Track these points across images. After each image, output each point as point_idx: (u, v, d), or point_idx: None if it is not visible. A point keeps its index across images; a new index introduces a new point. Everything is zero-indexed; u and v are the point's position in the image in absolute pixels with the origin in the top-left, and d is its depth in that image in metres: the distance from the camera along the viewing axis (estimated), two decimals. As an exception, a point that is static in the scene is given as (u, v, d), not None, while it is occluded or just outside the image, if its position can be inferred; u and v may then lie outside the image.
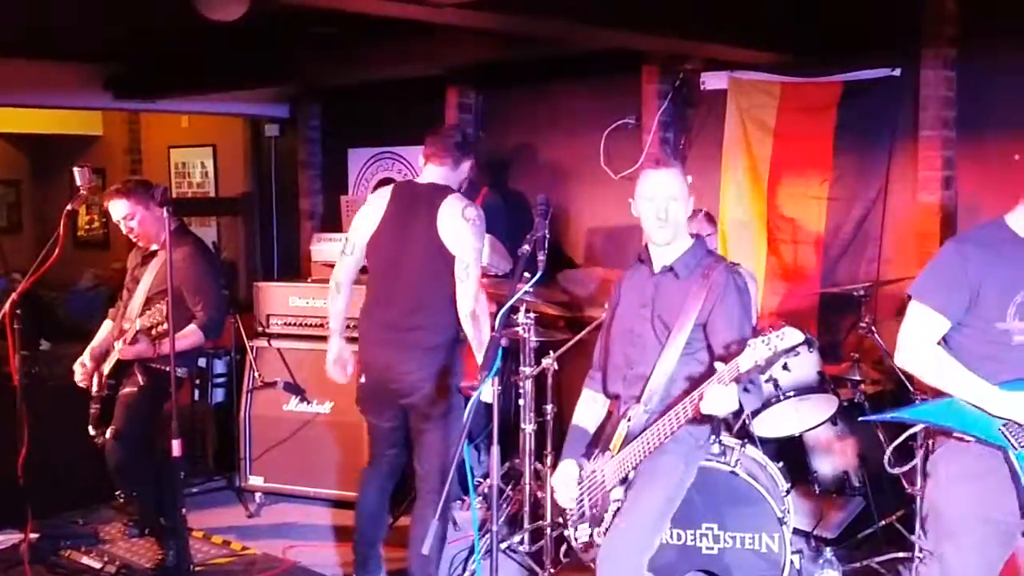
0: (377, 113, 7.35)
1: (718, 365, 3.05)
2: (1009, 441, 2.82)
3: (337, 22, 5.08)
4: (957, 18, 4.97)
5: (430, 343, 4.03)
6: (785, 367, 4.38)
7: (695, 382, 3.27)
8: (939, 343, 2.97)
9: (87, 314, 4.84)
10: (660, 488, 3.28)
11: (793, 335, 2.97)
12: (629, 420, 3.34)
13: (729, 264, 3.47)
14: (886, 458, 3.37)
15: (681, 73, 5.95)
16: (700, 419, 3.18)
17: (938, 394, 2.95)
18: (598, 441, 3.49)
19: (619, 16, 4.70)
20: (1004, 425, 2.82)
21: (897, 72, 5.21)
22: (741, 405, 3.14)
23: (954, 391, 2.88)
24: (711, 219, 4.97)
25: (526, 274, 3.20)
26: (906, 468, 3.69)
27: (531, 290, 4.45)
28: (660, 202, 3.36)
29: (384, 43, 5.70)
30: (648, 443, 3.24)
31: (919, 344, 2.93)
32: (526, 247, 3.21)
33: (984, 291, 2.85)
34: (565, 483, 3.46)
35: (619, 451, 3.34)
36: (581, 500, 3.44)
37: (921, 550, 3.04)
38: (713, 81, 5.92)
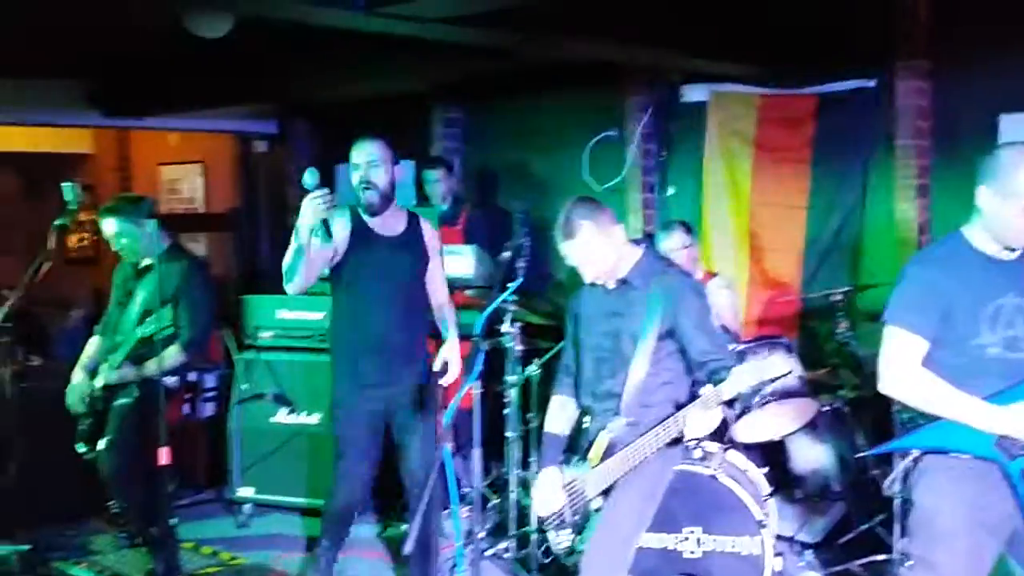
0: (365, 129, 7.40)
1: (703, 390, 3.14)
2: (1003, 454, 2.84)
3: (324, 38, 5.16)
4: (930, 29, 5.07)
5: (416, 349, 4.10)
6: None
7: (668, 390, 3.37)
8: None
9: (78, 349, 4.93)
10: (638, 491, 3.34)
11: (778, 366, 3.06)
12: (610, 433, 3.37)
13: (682, 269, 3.55)
14: (887, 484, 3.32)
15: (662, 85, 6.05)
16: (682, 437, 3.26)
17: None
18: (573, 447, 3.53)
19: (601, 30, 4.79)
20: (997, 441, 2.83)
21: (873, 83, 5.31)
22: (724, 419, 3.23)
23: (944, 412, 2.87)
24: (689, 230, 5.05)
25: (509, 284, 3.28)
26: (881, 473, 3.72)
27: (514, 298, 4.56)
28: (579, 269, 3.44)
29: (370, 59, 5.78)
30: (631, 458, 3.30)
31: (902, 368, 2.91)
32: (506, 254, 3.27)
33: (954, 307, 2.87)
34: (549, 491, 3.50)
35: (599, 463, 3.38)
36: (563, 508, 3.49)
37: (906, 555, 3.02)
38: (694, 94, 6.02)
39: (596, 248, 3.37)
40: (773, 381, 3.14)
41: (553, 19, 4.53)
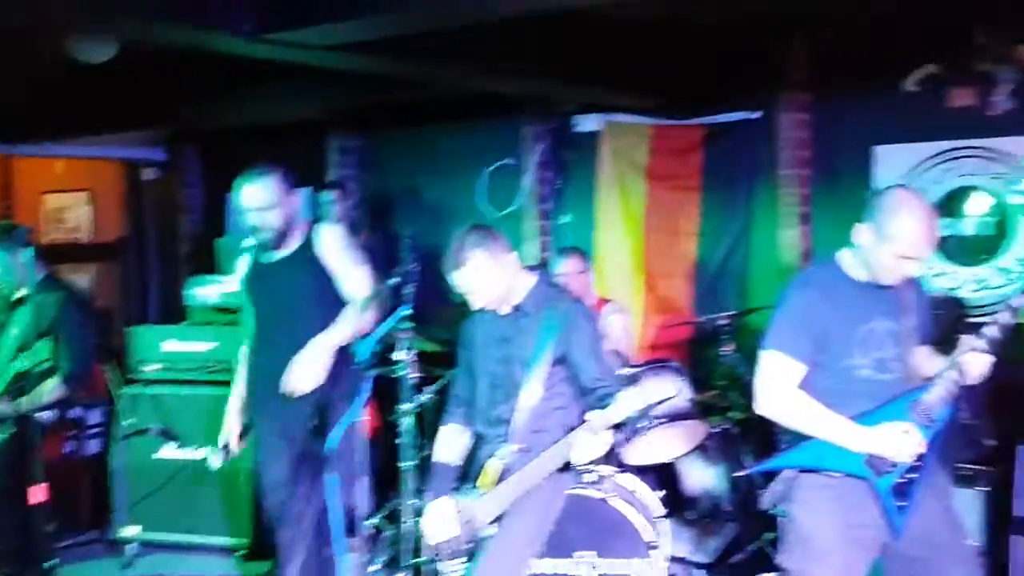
0: (257, 156, 7.29)
1: (591, 415, 3.17)
2: (872, 471, 2.95)
3: (213, 63, 5.08)
4: (810, 65, 5.28)
5: None
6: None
7: (560, 415, 3.39)
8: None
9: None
10: (528, 516, 3.33)
11: (664, 389, 3.12)
12: (501, 459, 3.38)
13: (575, 296, 3.58)
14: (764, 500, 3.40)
15: (557, 116, 6.14)
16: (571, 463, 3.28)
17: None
18: (465, 475, 3.53)
19: (496, 63, 4.84)
20: (867, 459, 2.94)
21: (758, 115, 5.50)
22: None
23: (816, 432, 2.97)
24: (584, 256, 5.12)
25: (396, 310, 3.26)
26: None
27: (408, 325, 4.53)
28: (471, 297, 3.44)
29: (261, 85, 5.72)
30: (520, 484, 3.31)
31: (776, 390, 3.01)
32: (394, 280, 3.26)
33: (829, 331, 2.98)
34: (438, 521, 3.47)
35: (491, 489, 3.38)
36: (453, 536, 3.45)
37: (786, 572, 3.10)
38: (587, 124, 6.13)
39: (486, 276, 3.38)
40: (659, 404, 3.19)
41: (449, 50, 4.56)
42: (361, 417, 2.90)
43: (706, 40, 5.21)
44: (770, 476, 3.86)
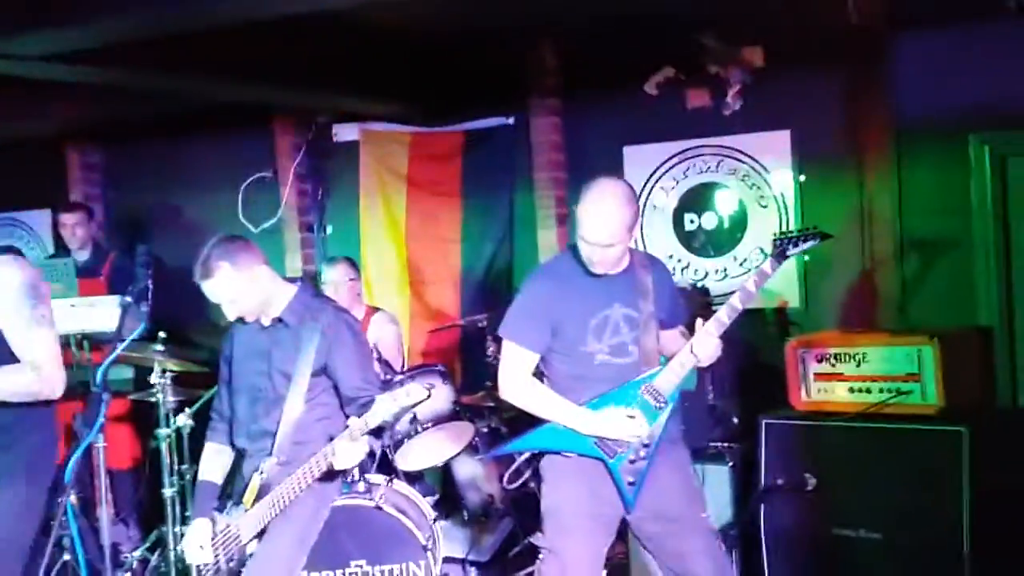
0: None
1: (350, 421, 3.18)
2: (603, 452, 3.11)
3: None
4: (558, 70, 5.47)
5: None
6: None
7: (324, 426, 3.35)
8: (542, 369, 3.22)
9: None
10: (291, 530, 3.28)
11: (417, 391, 3.16)
12: (262, 473, 3.32)
13: (336, 306, 3.56)
14: (505, 479, 3.55)
15: (313, 125, 6.05)
16: (333, 471, 3.25)
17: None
18: (229, 493, 3.43)
19: (244, 70, 4.70)
20: (597, 440, 3.10)
21: (511, 120, 5.64)
22: (372, 449, 3.26)
23: (547, 416, 3.14)
24: (354, 265, 5.08)
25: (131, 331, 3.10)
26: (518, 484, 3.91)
27: (161, 348, 4.33)
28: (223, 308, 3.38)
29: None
30: (282, 497, 3.26)
31: (514, 379, 3.17)
32: (128, 299, 3.12)
33: (563, 321, 3.13)
34: (198, 542, 3.36)
35: (253, 505, 3.31)
36: (217, 556, 3.35)
37: (540, 549, 3.23)
38: (345, 132, 6.09)
39: (236, 287, 3.31)
40: (413, 406, 3.22)
41: (195, 59, 4.38)
42: (98, 443, 2.73)
43: (458, 47, 5.29)
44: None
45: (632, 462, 3.10)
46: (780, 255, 3.17)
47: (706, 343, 3.10)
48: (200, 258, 3.30)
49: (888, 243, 4.71)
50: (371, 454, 3.50)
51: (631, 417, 3.07)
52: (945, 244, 4.59)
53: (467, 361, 5.70)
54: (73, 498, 2.66)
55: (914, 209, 4.70)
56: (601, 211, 3.00)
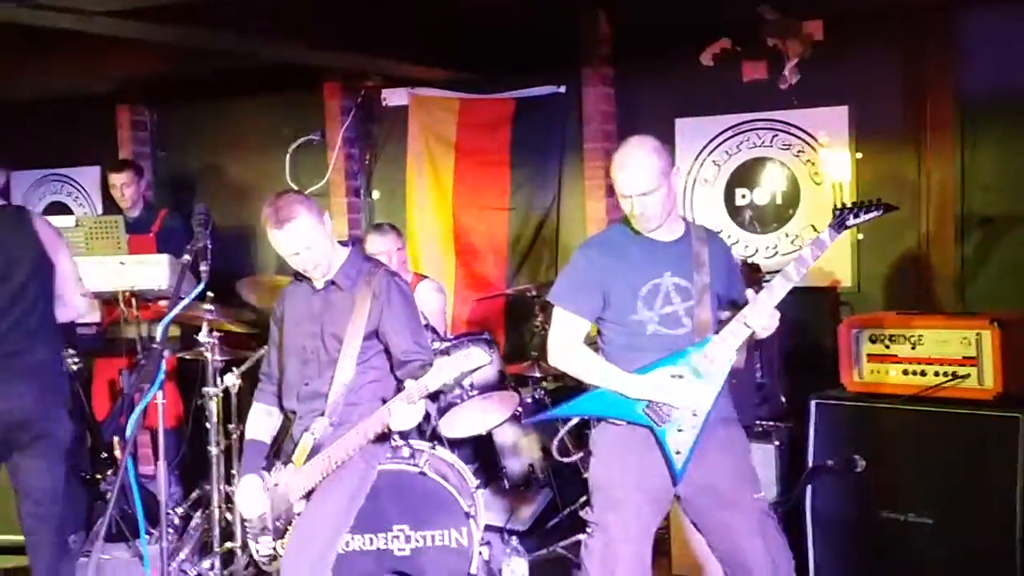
0: (41, 133, 6.82)
1: (408, 383, 3.16)
2: (652, 419, 3.07)
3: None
4: (612, 39, 5.39)
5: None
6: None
7: (375, 388, 3.35)
8: (598, 342, 3.19)
9: None
10: (341, 490, 3.28)
11: (478, 356, 3.16)
12: (313, 434, 3.32)
13: (388, 269, 3.54)
14: (554, 447, 3.56)
15: (363, 90, 6.02)
16: (388, 432, 3.23)
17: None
18: (278, 453, 3.44)
19: (297, 32, 4.68)
20: (647, 406, 3.06)
21: (563, 89, 5.57)
22: (428, 412, 3.25)
23: (597, 383, 3.11)
24: (398, 233, 5.05)
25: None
26: (576, 457, 3.91)
27: (211, 307, 4.34)
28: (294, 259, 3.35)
29: (42, 57, 5.31)
30: (335, 457, 3.26)
31: (564, 345, 3.15)
32: (186, 257, 3.11)
33: (613, 289, 3.10)
34: (250, 497, 3.39)
35: (304, 464, 3.32)
36: (264, 513, 3.36)
37: (588, 524, 3.21)
38: (394, 97, 6.05)
39: (312, 235, 3.29)
40: (473, 371, 3.21)
41: (246, 17, 4.36)
42: (158, 400, 2.73)
43: (511, 13, 5.23)
44: (583, 442, 3.96)
45: (680, 431, 3.05)
46: (840, 225, 3.10)
47: (760, 313, 3.04)
48: (272, 206, 3.28)
49: (947, 223, 4.62)
50: (427, 417, 3.50)
51: (679, 377, 3.02)
52: (1008, 223, 4.49)
53: (511, 331, 5.68)
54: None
55: (976, 188, 4.59)
56: (630, 162, 3.01)
